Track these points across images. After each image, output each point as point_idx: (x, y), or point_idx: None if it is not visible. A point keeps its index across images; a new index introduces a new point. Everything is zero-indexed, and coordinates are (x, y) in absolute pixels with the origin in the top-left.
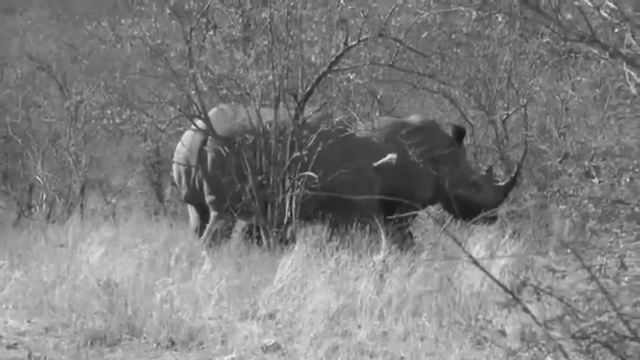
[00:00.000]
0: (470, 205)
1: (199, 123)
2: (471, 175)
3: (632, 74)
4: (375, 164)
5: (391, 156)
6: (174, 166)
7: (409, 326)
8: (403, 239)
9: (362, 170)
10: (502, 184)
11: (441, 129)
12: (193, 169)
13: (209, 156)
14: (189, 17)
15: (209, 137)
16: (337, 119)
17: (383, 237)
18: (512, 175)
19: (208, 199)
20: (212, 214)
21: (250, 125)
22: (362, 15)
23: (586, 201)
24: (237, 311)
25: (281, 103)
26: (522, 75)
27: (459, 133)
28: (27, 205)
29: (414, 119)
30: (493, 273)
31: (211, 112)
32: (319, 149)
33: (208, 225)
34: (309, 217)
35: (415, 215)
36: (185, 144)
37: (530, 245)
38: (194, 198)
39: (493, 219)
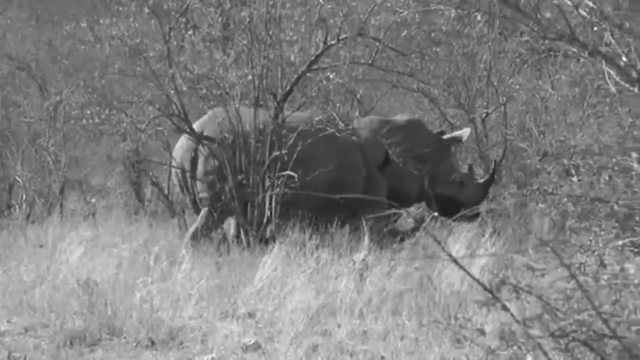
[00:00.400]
0: (456, 202)
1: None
2: (456, 173)
3: (611, 72)
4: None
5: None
6: (174, 173)
7: (388, 325)
8: (385, 234)
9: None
10: (482, 181)
11: (427, 127)
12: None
13: (203, 156)
14: (168, 16)
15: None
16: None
17: (366, 236)
18: (491, 172)
19: (201, 195)
20: (202, 210)
21: (245, 127)
22: (341, 14)
23: (565, 199)
24: (217, 310)
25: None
26: (502, 73)
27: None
28: (7, 205)
29: (401, 118)
30: (473, 272)
31: (208, 115)
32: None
33: (196, 222)
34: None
35: (395, 214)
36: (178, 149)
37: (510, 244)
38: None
39: (475, 216)
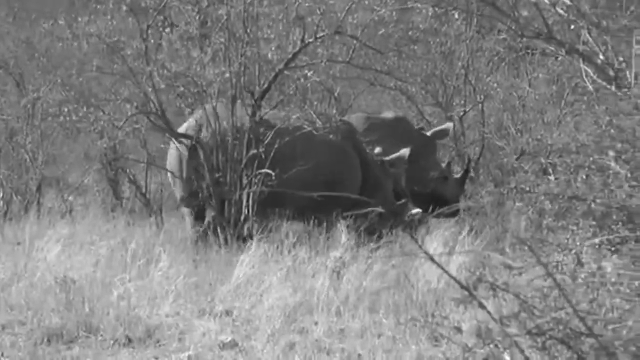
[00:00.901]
0: (439, 198)
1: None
2: (440, 169)
3: (589, 70)
4: (387, 159)
5: (404, 151)
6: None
7: (366, 323)
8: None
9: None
10: (458, 176)
11: (412, 124)
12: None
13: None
14: (145, 14)
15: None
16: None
17: (343, 234)
18: (465, 167)
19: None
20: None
21: (243, 124)
22: (318, 12)
23: (542, 198)
24: (195, 308)
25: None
26: (479, 72)
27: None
28: None
29: (387, 115)
30: (451, 270)
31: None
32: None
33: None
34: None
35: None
36: (172, 150)
37: (487, 242)
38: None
39: (456, 212)
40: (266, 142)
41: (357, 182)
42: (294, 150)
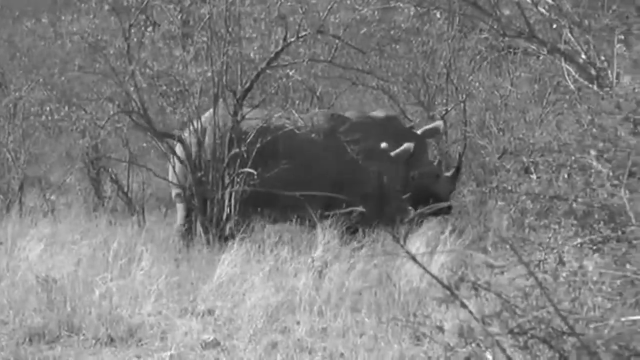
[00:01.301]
0: (432, 195)
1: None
2: (432, 167)
3: (571, 69)
4: (392, 154)
5: (409, 145)
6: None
7: (348, 322)
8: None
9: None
10: (450, 174)
11: (403, 122)
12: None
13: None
14: (128, 13)
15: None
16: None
17: (322, 233)
18: (456, 165)
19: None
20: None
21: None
22: (301, 11)
23: (524, 197)
24: (177, 307)
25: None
26: (461, 71)
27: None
28: None
29: (378, 113)
30: (433, 269)
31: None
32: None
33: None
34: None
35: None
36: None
37: (469, 241)
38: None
39: (448, 209)
40: (248, 141)
41: (370, 179)
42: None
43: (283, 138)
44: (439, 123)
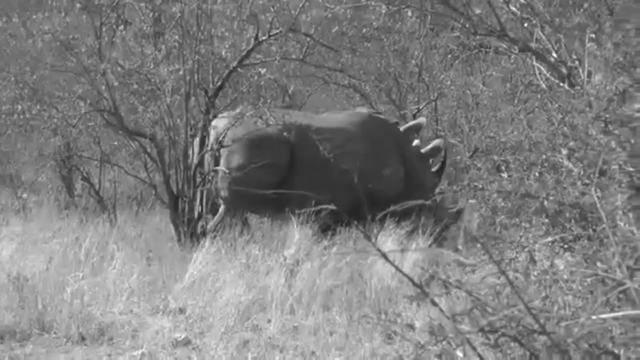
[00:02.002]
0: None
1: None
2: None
3: (542, 68)
4: (423, 150)
5: (439, 141)
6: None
7: (319, 320)
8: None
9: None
10: (435, 169)
11: (387, 120)
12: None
13: (225, 155)
14: (99, 12)
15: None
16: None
17: (295, 231)
18: (442, 160)
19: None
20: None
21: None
22: (272, 10)
23: (495, 195)
24: (148, 306)
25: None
26: (433, 69)
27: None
28: None
29: (362, 110)
30: (405, 267)
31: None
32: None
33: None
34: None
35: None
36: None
37: (441, 239)
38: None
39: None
40: (220, 140)
41: (399, 177)
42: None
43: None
44: (421, 120)
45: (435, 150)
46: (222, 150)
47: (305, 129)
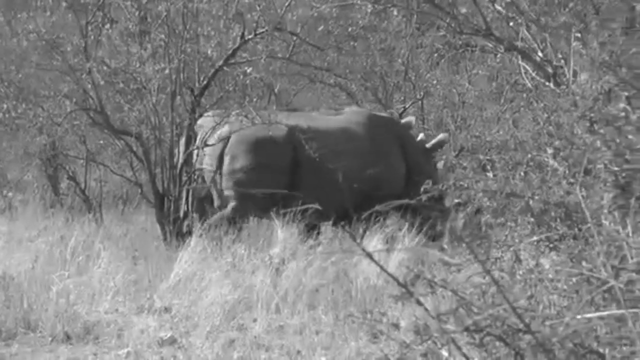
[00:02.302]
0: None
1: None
2: None
3: (527, 67)
4: (428, 145)
5: (444, 136)
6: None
7: (305, 320)
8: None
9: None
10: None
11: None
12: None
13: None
14: (85, 10)
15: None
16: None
17: (279, 231)
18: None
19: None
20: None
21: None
22: (258, 8)
23: (481, 194)
24: (133, 305)
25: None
26: (419, 68)
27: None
28: None
29: (349, 109)
30: (390, 267)
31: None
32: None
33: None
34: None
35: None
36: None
37: (427, 239)
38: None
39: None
40: (203, 139)
41: (400, 175)
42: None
43: (316, 138)
44: (410, 119)
45: (440, 144)
46: (225, 152)
47: (310, 131)
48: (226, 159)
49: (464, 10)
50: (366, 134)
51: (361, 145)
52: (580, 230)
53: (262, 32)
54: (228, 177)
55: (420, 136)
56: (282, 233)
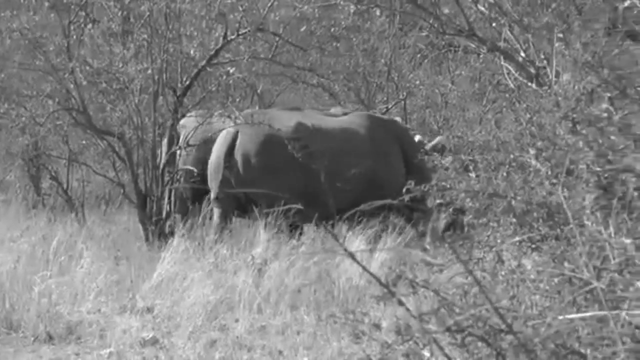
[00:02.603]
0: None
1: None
2: None
3: (510, 68)
4: (427, 147)
5: (441, 138)
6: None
7: (287, 320)
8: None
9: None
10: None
11: None
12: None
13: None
14: (68, 10)
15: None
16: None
17: (262, 230)
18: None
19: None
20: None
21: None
22: (241, 9)
23: (463, 195)
24: (116, 305)
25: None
26: (402, 69)
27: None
28: None
29: (337, 111)
30: (373, 267)
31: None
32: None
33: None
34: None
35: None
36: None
37: (409, 239)
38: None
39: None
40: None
41: (399, 177)
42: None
43: (318, 138)
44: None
45: (439, 146)
46: (234, 153)
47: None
48: (238, 160)
49: (446, 11)
50: (367, 134)
51: (361, 146)
52: (562, 230)
53: (245, 32)
54: (237, 179)
55: (418, 138)
56: (265, 233)
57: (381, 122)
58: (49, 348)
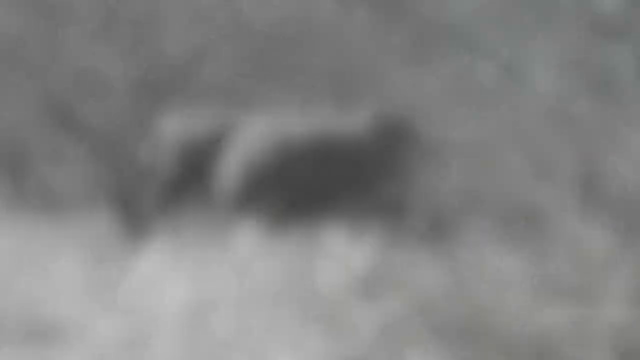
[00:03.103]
0: None
1: None
2: None
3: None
4: None
5: None
6: None
7: (271, 319)
8: None
9: None
10: None
11: None
12: None
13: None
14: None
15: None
16: None
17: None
18: None
19: None
20: None
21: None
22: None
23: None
24: (97, 306)
25: None
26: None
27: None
28: None
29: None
30: (357, 266)
31: None
32: None
33: None
34: None
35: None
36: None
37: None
38: None
39: None
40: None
41: None
42: None
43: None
44: None
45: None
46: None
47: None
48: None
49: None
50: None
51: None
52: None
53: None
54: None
55: None
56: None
57: None
58: (30, 349)
